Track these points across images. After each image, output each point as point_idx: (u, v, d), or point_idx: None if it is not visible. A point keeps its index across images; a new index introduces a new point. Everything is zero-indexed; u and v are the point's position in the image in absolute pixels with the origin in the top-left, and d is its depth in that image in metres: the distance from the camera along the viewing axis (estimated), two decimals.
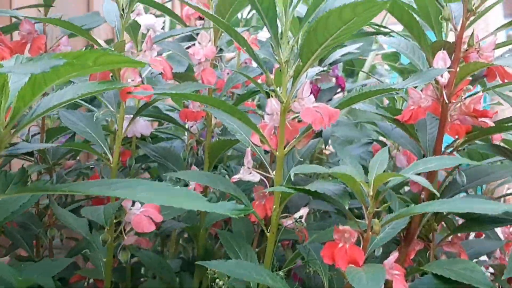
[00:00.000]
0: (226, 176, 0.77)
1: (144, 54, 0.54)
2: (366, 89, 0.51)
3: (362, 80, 1.21)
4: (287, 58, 0.50)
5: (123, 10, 0.52)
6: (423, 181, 0.38)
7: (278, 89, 0.51)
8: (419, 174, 0.44)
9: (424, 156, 0.61)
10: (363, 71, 1.07)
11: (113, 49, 0.46)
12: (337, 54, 0.78)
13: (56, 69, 0.30)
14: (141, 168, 0.89)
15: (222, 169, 0.80)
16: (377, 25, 0.69)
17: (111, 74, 0.51)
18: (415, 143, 0.61)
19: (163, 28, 0.72)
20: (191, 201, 0.34)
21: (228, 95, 0.83)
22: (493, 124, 0.51)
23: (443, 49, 0.55)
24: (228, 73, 0.74)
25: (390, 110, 0.61)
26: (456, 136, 0.57)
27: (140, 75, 0.53)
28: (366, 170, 0.95)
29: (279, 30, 0.49)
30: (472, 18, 0.56)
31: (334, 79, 0.83)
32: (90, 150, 0.52)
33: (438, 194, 0.38)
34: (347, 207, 0.40)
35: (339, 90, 0.82)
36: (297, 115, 0.51)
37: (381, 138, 0.89)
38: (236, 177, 0.53)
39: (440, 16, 0.56)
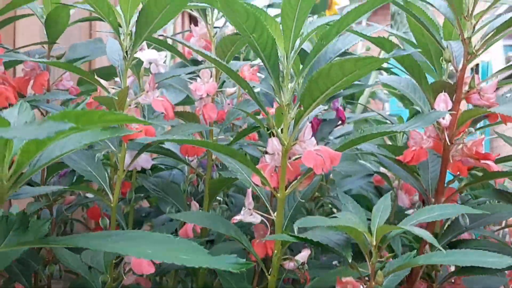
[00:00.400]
0: (228, 210, 0.77)
1: (146, 95, 0.54)
2: (367, 131, 0.51)
3: (362, 103, 1.22)
4: (289, 102, 0.50)
5: (126, 52, 0.52)
6: (424, 234, 0.38)
7: (279, 130, 0.52)
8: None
9: (425, 191, 0.61)
10: (361, 104, 1.07)
11: (116, 97, 0.46)
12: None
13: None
14: (140, 196, 0.89)
15: (222, 203, 0.80)
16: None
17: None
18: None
19: (164, 62, 0.73)
20: (193, 256, 0.33)
21: (229, 125, 0.83)
22: (496, 167, 0.51)
23: (444, 90, 0.55)
24: (229, 104, 0.74)
25: (391, 148, 0.61)
26: (458, 173, 0.57)
27: (143, 115, 0.53)
28: (368, 201, 0.95)
29: (281, 74, 0.50)
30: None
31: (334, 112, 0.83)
32: (91, 191, 0.52)
33: (440, 247, 0.37)
34: (350, 260, 0.40)
35: (339, 122, 0.82)
36: (298, 156, 0.51)
37: (382, 169, 0.89)
38: (237, 218, 0.52)
39: (441, 57, 0.56)
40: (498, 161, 0.58)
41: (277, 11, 1.41)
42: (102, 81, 0.54)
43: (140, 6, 0.51)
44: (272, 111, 0.73)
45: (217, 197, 0.72)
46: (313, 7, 1.35)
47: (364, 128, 0.51)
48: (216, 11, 0.71)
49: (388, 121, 0.78)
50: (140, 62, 0.67)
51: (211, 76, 0.67)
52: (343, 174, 0.80)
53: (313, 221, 0.39)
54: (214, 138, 0.70)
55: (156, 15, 0.49)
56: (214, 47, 0.70)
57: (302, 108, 0.47)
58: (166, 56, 0.72)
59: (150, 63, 0.72)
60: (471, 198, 0.64)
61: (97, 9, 0.50)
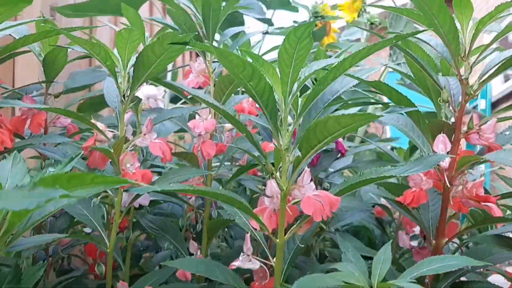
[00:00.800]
0: (227, 247, 0.76)
1: (144, 138, 0.54)
2: (366, 174, 0.51)
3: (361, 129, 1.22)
4: (287, 146, 0.49)
5: (123, 96, 0.52)
6: None
7: (277, 174, 0.51)
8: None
9: (426, 230, 0.60)
10: (358, 136, 1.06)
11: (111, 149, 0.46)
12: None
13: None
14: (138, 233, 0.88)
15: (221, 237, 0.79)
16: (376, 100, 0.69)
17: (110, 160, 0.51)
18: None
19: (163, 96, 0.73)
20: None
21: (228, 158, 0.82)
22: (498, 211, 0.51)
23: (443, 131, 0.55)
24: (228, 137, 0.74)
25: (391, 188, 0.61)
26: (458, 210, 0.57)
27: (139, 161, 0.52)
28: (369, 232, 0.93)
29: (279, 118, 0.49)
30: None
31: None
32: (89, 238, 0.51)
33: None
34: None
35: (339, 155, 0.82)
36: (297, 200, 0.51)
37: (382, 200, 0.88)
38: (235, 264, 0.51)
39: (439, 98, 0.56)
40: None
41: (273, 38, 1.42)
42: (99, 124, 0.53)
43: (141, 47, 0.51)
44: (271, 146, 0.72)
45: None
46: (312, 34, 1.35)
47: (364, 172, 0.51)
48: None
49: (388, 154, 0.78)
50: (138, 99, 0.67)
51: (209, 113, 0.66)
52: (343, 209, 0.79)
53: (313, 281, 0.38)
54: (213, 172, 0.70)
55: (154, 61, 0.49)
56: (213, 83, 0.70)
57: (300, 155, 0.46)
58: (165, 91, 0.72)
59: (148, 98, 0.73)
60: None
61: (94, 54, 0.50)
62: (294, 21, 1.46)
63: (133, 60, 0.53)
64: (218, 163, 0.74)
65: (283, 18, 1.71)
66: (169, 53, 0.48)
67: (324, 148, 0.84)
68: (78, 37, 0.47)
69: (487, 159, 0.47)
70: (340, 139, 0.83)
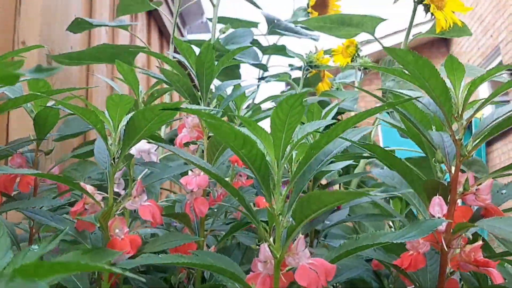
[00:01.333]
0: None
1: (133, 200, 0.53)
2: (362, 239, 0.50)
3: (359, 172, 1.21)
4: (280, 211, 0.48)
5: (113, 159, 0.51)
6: None
7: (271, 239, 0.50)
8: None
9: None
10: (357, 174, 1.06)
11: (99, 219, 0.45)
12: (335, 167, 0.77)
13: None
14: None
15: None
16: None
17: (98, 225, 0.49)
18: None
19: (156, 149, 0.72)
20: None
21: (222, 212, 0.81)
22: (499, 277, 0.49)
23: (438, 192, 0.54)
24: (221, 193, 0.73)
25: (389, 247, 0.59)
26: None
27: (128, 226, 0.51)
28: (367, 285, 0.91)
29: (272, 182, 0.49)
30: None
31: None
32: None
33: None
34: None
35: (335, 208, 0.80)
36: (291, 268, 0.49)
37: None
38: None
39: (433, 158, 0.56)
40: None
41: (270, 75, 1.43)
42: (88, 188, 0.52)
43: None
44: (265, 201, 0.71)
45: None
46: (307, 80, 1.35)
47: (360, 236, 0.50)
48: (207, 102, 0.71)
49: (384, 207, 0.76)
50: (129, 155, 0.66)
51: None
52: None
53: None
54: (205, 231, 0.69)
55: (145, 125, 0.49)
56: (206, 137, 0.70)
57: (294, 224, 0.45)
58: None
59: (141, 154, 0.72)
60: None
61: (84, 118, 0.49)
62: (290, 65, 1.48)
63: (124, 121, 0.53)
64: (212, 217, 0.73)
65: (278, 60, 1.72)
66: (160, 117, 0.48)
67: None
68: (67, 103, 0.46)
69: (484, 228, 0.46)
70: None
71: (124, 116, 0.51)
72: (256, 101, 1.25)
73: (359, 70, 1.43)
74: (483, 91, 4.53)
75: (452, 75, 0.54)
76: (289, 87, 1.45)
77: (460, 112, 0.55)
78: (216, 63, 0.69)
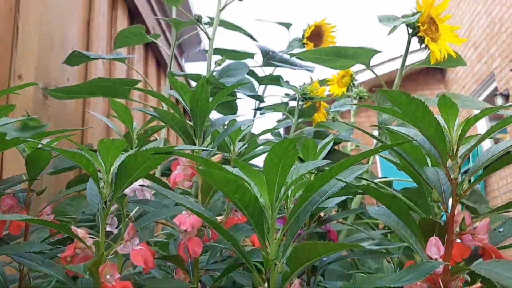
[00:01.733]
0: None
1: (125, 244, 0.52)
2: (360, 282, 0.49)
3: (355, 206, 1.20)
4: (275, 256, 0.47)
5: (105, 203, 0.50)
6: None
7: (265, 285, 0.49)
8: None
9: None
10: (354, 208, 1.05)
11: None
12: (331, 203, 0.76)
13: None
14: None
15: None
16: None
17: (89, 272, 0.48)
18: None
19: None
20: None
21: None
22: None
23: (435, 232, 0.54)
24: (215, 233, 0.72)
25: None
26: None
27: (121, 265, 0.50)
28: None
29: (266, 226, 0.48)
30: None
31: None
32: None
33: None
34: None
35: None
36: None
37: None
38: None
39: (429, 198, 0.55)
40: None
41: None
42: (79, 232, 0.51)
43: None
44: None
45: None
46: (302, 111, 1.35)
47: (357, 280, 0.49)
48: (202, 139, 0.71)
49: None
50: (122, 196, 0.65)
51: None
52: None
53: None
54: (200, 269, 0.67)
55: (137, 168, 0.48)
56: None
57: (289, 271, 0.44)
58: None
59: (135, 191, 0.71)
60: None
61: (76, 162, 0.49)
62: (286, 94, 1.49)
63: (116, 163, 0.52)
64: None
65: (275, 89, 1.73)
66: (152, 161, 0.47)
67: (317, 230, 0.82)
68: (57, 148, 0.46)
69: (481, 273, 0.45)
70: (332, 228, 0.81)
71: (116, 158, 0.50)
72: (253, 129, 1.26)
73: (355, 98, 1.44)
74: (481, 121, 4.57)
75: (445, 114, 0.54)
76: (285, 116, 1.45)
77: (454, 151, 0.55)
78: (211, 99, 0.69)
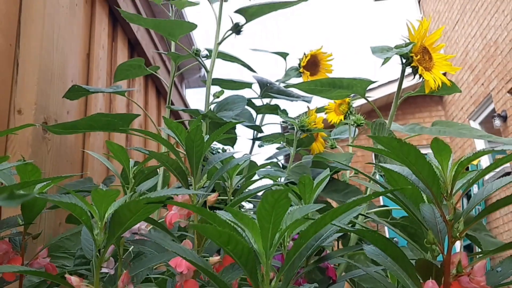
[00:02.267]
0: None
1: None
2: None
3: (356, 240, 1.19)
4: None
5: (99, 251, 0.50)
6: None
7: None
8: None
9: None
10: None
11: None
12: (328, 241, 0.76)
13: None
14: None
15: None
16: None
17: None
18: None
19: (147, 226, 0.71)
20: None
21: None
22: None
23: (431, 275, 0.53)
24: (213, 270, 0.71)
25: None
26: None
27: None
28: None
29: (259, 275, 0.47)
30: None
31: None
32: None
33: None
34: None
35: (330, 281, 0.79)
36: None
37: None
38: None
39: (425, 239, 0.55)
40: None
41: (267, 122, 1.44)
42: (73, 280, 0.51)
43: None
44: None
45: None
46: (300, 141, 1.35)
47: None
48: (198, 177, 0.71)
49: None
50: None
51: (192, 247, 0.65)
52: None
53: None
54: None
55: (130, 217, 0.49)
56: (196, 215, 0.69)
57: None
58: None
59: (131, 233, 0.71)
60: None
61: (69, 210, 0.49)
62: (283, 122, 1.49)
63: (111, 209, 0.52)
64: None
65: (273, 117, 1.74)
66: (146, 209, 0.47)
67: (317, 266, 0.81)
68: (51, 199, 0.46)
69: None
70: (331, 265, 0.80)
71: (110, 206, 0.50)
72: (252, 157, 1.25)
73: (353, 126, 1.45)
74: (480, 144, 4.56)
75: (439, 156, 0.54)
76: (284, 144, 1.46)
77: (449, 191, 0.55)
78: (206, 137, 0.70)
